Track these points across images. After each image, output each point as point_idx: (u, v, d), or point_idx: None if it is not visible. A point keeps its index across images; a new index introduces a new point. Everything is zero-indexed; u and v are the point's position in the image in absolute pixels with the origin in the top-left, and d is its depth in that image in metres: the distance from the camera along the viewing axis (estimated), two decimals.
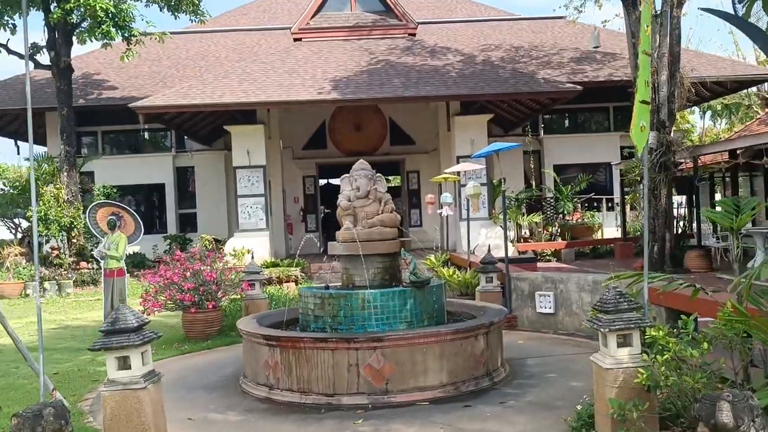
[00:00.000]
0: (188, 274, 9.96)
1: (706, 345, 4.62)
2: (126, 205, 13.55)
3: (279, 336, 6.82)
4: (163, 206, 26.22)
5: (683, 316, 5.01)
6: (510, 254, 19.15)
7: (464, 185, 19.42)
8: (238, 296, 10.65)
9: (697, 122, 39.31)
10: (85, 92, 24.62)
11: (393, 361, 6.46)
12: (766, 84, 31.05)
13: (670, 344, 4.68)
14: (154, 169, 25.82)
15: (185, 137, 25.53)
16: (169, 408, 5.59)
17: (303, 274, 18.05)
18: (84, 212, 18.00)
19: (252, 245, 18.98)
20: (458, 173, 17.47)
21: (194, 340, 10.01)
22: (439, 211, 15.27)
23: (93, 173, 24.70)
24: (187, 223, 26.12)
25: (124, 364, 4.88)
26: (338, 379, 6.46)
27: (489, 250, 11.02)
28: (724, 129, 37.72)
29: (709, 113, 37.93)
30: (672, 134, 14.94)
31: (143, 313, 7.82)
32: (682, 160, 15.45)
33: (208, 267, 10.21)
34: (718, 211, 5.30)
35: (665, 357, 4.65)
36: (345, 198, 7.72)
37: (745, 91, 31.97)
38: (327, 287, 7.79)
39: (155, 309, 10.07)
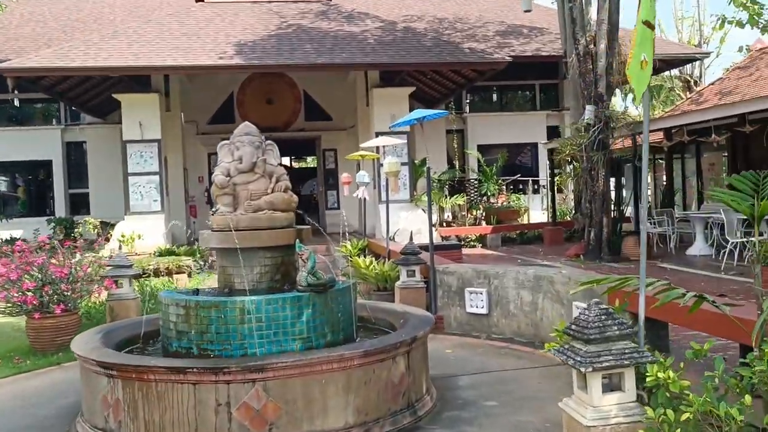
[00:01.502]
0: (32, 269, 7.84)
1: (749, 399, 2.97)
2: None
3: (118, 363, 4.89)
4: (50, 185, 23.50)
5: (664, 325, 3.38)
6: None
7: (383, 164, 17.76)
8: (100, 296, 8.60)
9: (618, 104, 38.84)
10: None
11: (280, 399, 4.65)
12: (687, 66, 30.59)
13: (690, 396, 3.01)
14: (40, 143, 23.04)
15: (74, 109, 22.88)
16: None
17: (201, 263, 15.99)
18: None
19: (144, 230, 16.80)
20: (377, 149, 15.74)
21: (42, 353, 7.92)
22: (355, 194, 13.48)
23: None
24: (80, 204, 23.47)
25: None
26: (202, 425, 4.61)
27: (411, 237, 9.33)
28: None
29: (630, 96, 37.47)
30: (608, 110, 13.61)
31: None
32: (620, 138, 14.16)
33: (62, 260, 8.11)
34: (730, 193, 3.59)
35: (685, 415, 2.97)
36: (223, 171, 5.85)
37: (668, 72, 31.43)
38: (197, 291, 5.90)
39: None
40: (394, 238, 15.05)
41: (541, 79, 25.90)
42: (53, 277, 7.83)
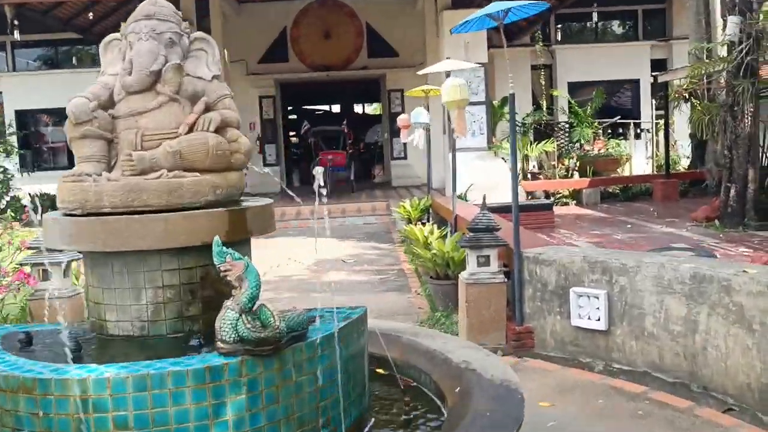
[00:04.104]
0: None
1: None
2: None
3: None
4: None
5: None
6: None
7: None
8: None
9: None
10: None
11: None
12: None
13: None
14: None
15: None
16: None
17: None
18: None
19: None
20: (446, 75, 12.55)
21: None
22: (409, 138, 10.40)
23: None
24: None
25: None
26: None
27: (484, 202, 6.25)
28: None
29: None
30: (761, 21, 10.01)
31: None
32: None
33: None
34: None
35: None
36: (94, 92, 2.92)
37: None
38: (28, 339, 3.02)
39: None
40: (465, 196, 11.99)
41: (644, 2, 21.90)
42: None
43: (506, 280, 5.57)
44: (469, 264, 5.61)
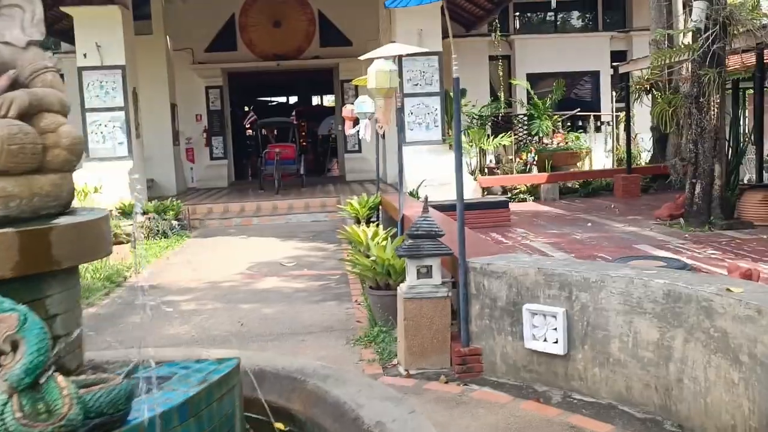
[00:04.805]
0: None
1: None
2: None
3: None
4: None
5: None
6: (469, 193, 13.69)
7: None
8: None
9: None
10: None
11: None
12: None
13: None
14: None
15: None
16: None
17: (174, 224, 12.47)
18: None
19: (106, 180, 13.26)
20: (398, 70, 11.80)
21: None
22: (354, 129, 9.59)
23: None
24: None
25: None
26: None
27: (426, 202, 5.43)
28: None
29: None
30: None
31: None
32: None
33: None
34: None
35: None
36: None
37: None
38: None
39: None
40: (417, 193, 11.25)
41: None
42: None
43: (449, 293, 4.82)
44: (408, 275, 4.84)
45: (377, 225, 9.14)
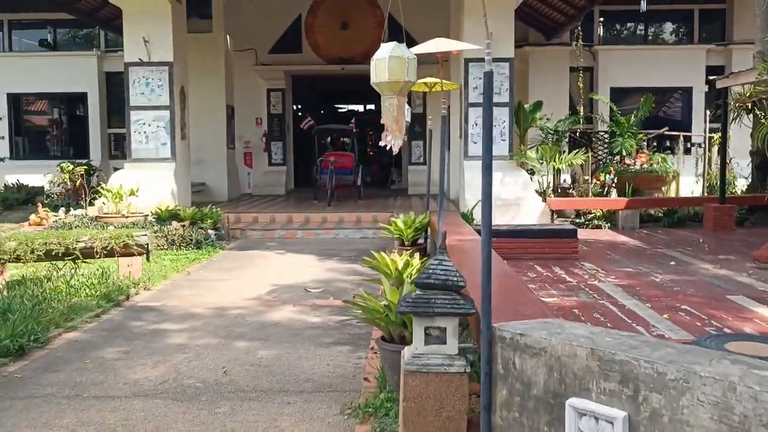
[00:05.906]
0: None
1: None
2: None
3: None
4: (85, 123, 19.73)
5: None
6: (536, 217, 12.18)
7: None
8: None
9: None
10: None
11: None
12: None
13: None
14: (74, 73, 19.23)
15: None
16: None
17: (211, 233, 11.53)
18: None
19: (148, 182, 12.52)
20: (464, 75, 10.64)
21: None
22: (386, 139, 8.28)
23: None
24: (120, 146, 19.55)
25: None
26: None
27: (444, 239, 4.03)
28: None
29: None
30: None
31: None
32: None
33: None
34: None
35: None
36: None
37: None
38: None
39: None
40: (471, 214, 9.90)
41: (701, 2, 19.52)
42: None
43: (466, 369, 3.51)
44: (414, 339, 3.56)
45: (420, 250, 7.88)
